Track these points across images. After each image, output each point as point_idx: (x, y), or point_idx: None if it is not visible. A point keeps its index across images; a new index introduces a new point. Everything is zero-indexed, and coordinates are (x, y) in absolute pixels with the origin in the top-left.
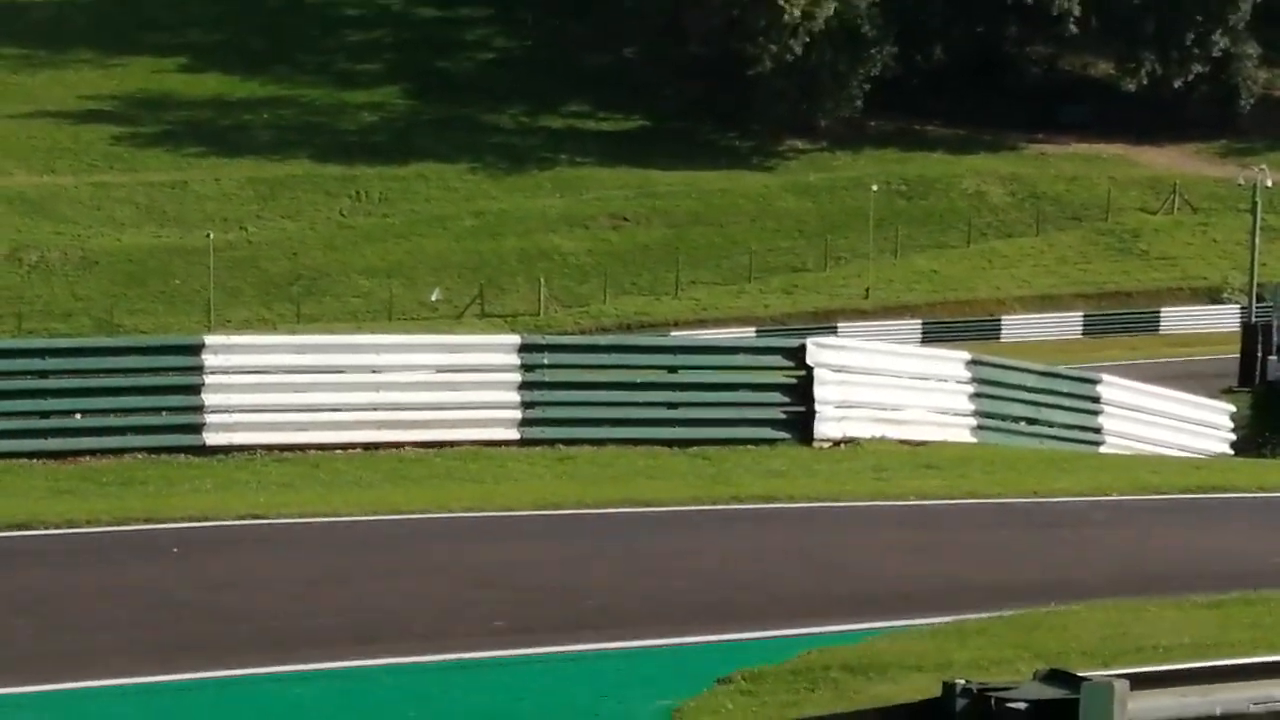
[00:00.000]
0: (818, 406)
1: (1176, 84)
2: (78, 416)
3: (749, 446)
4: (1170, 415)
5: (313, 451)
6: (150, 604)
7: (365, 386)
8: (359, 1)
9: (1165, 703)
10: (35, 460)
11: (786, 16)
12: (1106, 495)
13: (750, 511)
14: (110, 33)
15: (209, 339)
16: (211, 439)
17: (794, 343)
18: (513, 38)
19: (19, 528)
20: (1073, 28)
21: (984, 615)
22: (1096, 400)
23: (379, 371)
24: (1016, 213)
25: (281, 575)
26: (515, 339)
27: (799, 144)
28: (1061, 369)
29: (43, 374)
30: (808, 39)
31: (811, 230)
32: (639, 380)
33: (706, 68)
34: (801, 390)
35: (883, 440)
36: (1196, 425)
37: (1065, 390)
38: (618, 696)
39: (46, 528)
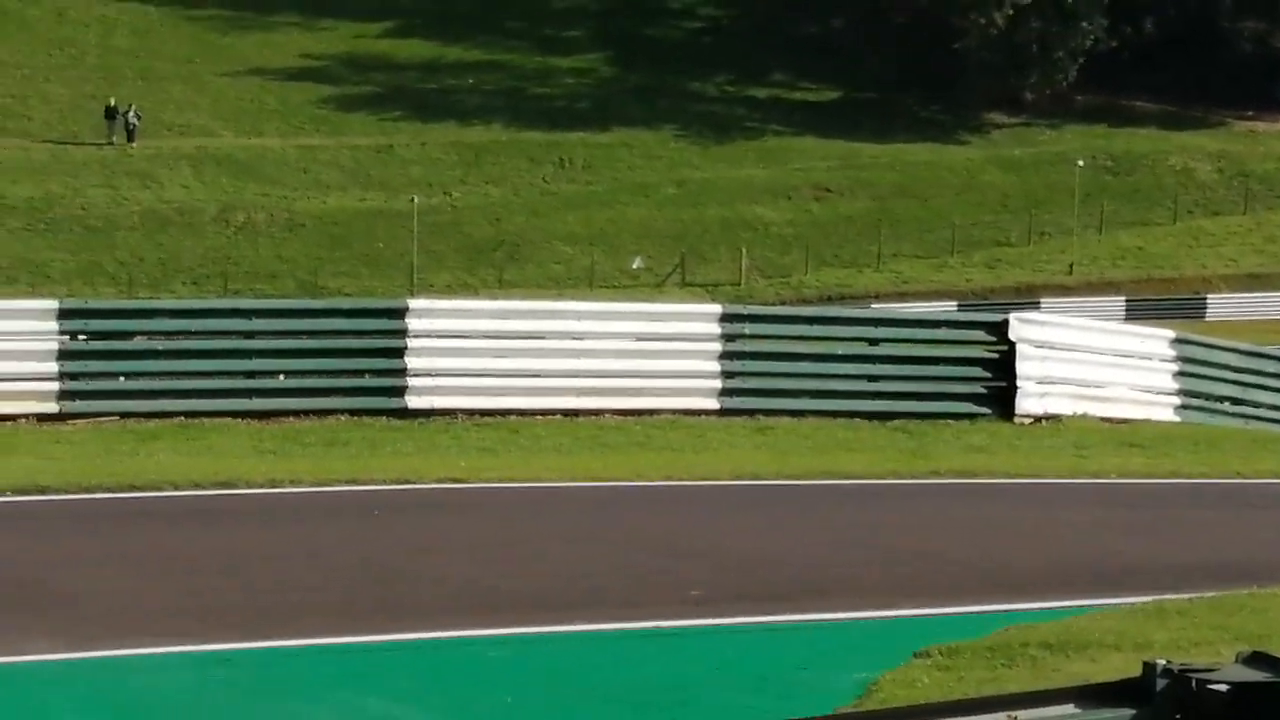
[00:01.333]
0: (1019, 382)
1: None
2: (282, 377)
3: (949, 421)
4: None
5: (513, 416)
6: (349, 565)
7: (566, 353)
8: None
9: None
10: (240, 420)
11: None
12: None
13: (950, 486)
14: None
15: (412, 303)
16: (413, 402)
17: (996, 317)
18: (719, 6)
19: (223, 486)
20: None
21: (1185, 596)
22: None
23: (580, 338)
24: (1224, 190)
25: (479, 540)
26: (716, 308)
27: (1003, 117)
28: (1268, 349)
29: (249, 334)
30: (1012, 11)
31: (1016, 204)
32: (840, 352)
33: (912, 40)
34: (1003, 365)
35: (1084, 417)
36: None
37: (1271, 370)
38: (813, 668)
39: (250, 487)
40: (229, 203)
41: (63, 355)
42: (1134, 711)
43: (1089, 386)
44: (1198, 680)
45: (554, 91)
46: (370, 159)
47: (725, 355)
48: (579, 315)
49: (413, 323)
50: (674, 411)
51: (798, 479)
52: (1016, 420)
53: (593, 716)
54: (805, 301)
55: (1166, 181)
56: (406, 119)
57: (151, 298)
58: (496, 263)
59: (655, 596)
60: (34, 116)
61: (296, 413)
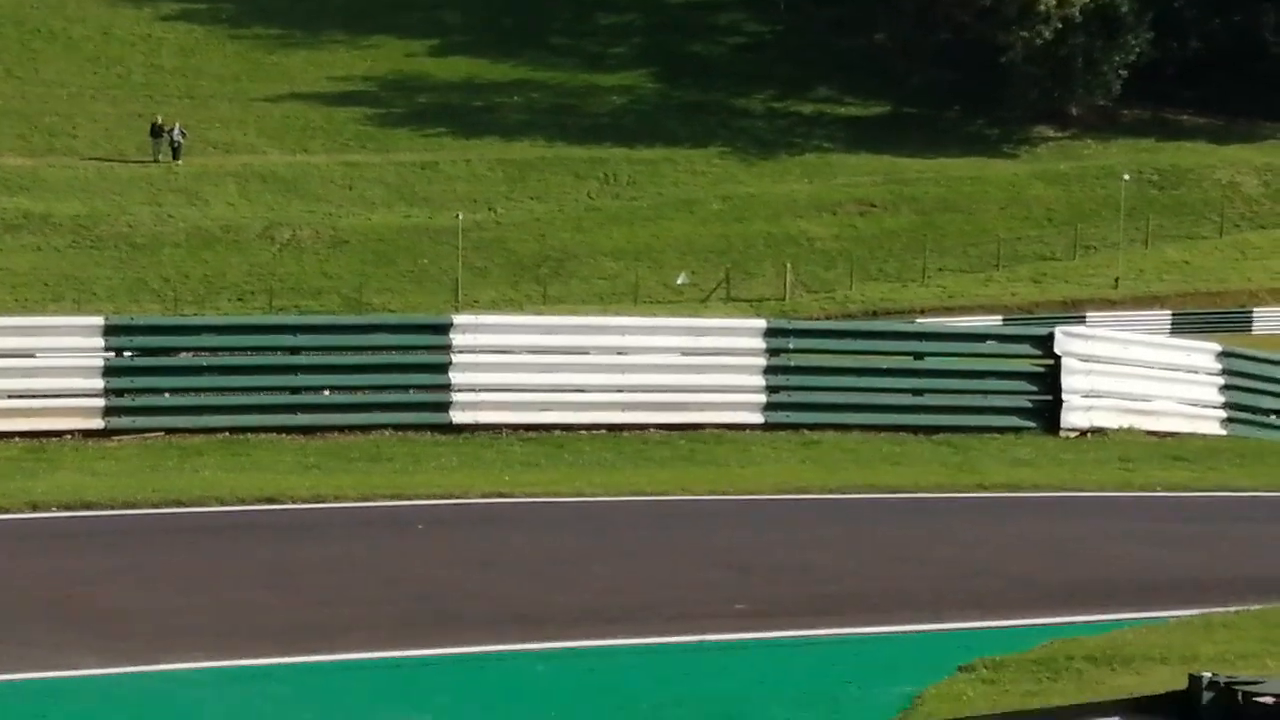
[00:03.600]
0: (1065, 396)
1: None
2: (327, 393)
3: (994, 435)
4: None
5: (557, 431)
6: (394, 580)
7: (611, 368)
8: None
9: None
10: (285, 435)
11: (1042, 5)
12: None
13: (995, 500)
14: (364, 14)
15: (457, 318)
16: (458, 417)
17: (1042, 331)
18: (764, 22)
19: (267, 501)
20: None
21: (1231, 609)
22: None
23: (624, 353)
24: (1271, 204)
25: (525, 554)
26: (761, 323)
27: (1049, 131)
28: None
29: (294, 350)
30: (1060, 25)
31: (1061, 219)
32: (885, 366)
33: (957, 54)
34: (1049, 379)
35: (1130, 431)
36: None
37: None
38: (859, 682)
39: (294, 502)
40: (274, 220)
41: (108, 371)
42: None
43: (1134, 400)
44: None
45: (598, 108)
46: (415, 175)
47: (770, 370)
48: (623, 330)
49: (457, 338)
50: (719, 426)
51: (843, 493)
52: (1062, 434)
53: None
54: (850, 316)
55: (1212, 195)
56: (451, 135)
57: (197, 314)
58: (541, 278)
59: (701, 610)
60: (80, 135)
61: (341, 428)
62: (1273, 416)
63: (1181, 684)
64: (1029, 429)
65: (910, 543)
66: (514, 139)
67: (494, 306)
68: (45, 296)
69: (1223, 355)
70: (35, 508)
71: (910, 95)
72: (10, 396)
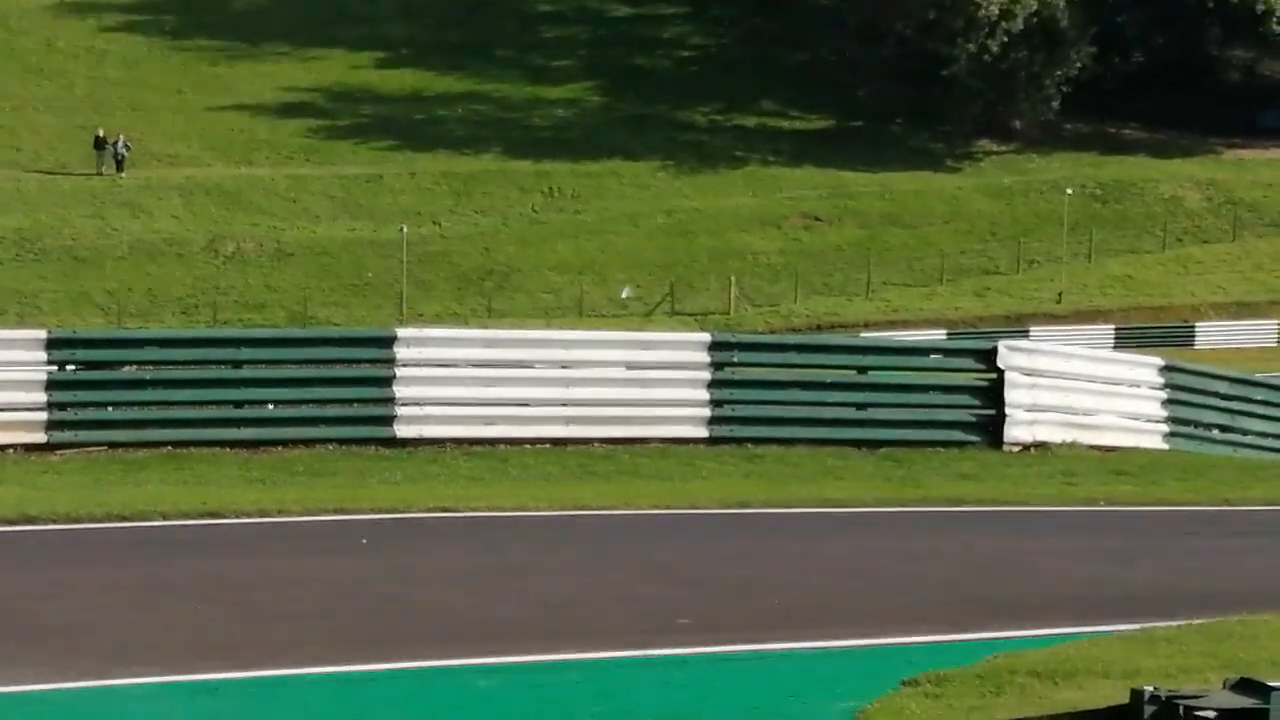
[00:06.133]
0: (1008, 410)
1: None
2: (271, 407)
3: (938, 449)
4: None
5: (502, 446)
6: (339, 594)
7: (555, 382)
8: None
9: None
10: (228, 449)
11: (983, 13)
12: None
13: (939, 514)
14: (307, 26)
15: (401, 332)
16: (402, 431)
17: (985, 345)
18: (708, 36)
19: (211, 516)
20: (1276, 28)
21: (1173, 623)
22: None
23: (569, 367)
24: (1213, 218)
25: (469, 568)
26: (705, 337)
27: (992, 145)
28: (1256, 376)
29: (237, 364)
30: (1005, 39)
31: (1004, 233)
32: (829, 380)
33: (901, 68)
34: (992, 393)
35: (1073, 445)
36: None
37: (1260, 398)
38: (802, 696)
39: (238, 516)
40: (218, 233)
41: (51, 385)
42: None
43: (1078, 414)
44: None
45: (543, 121)
46: (360, 188)
47: (714, 384)
48: (568, 344)
49: (401, 352)
50: (663, 440)
51: (787, 507)
52: (1005, 448)
53: None
54: (795, 330)
55: (1155, 210)
56: (396, 148)
57: (140, 328)
58: (486, 292)
59: (645, 625)
60: (23, 147)
61: (285, 442)
62: (1215, 431)
63: (1124, 698)
64: (972, 443)
65: (854, 557)
66: (459, 152)
67: (439, 320)
68: None
69: (1165, 370)
70: None
71: (855, 109)
72: None
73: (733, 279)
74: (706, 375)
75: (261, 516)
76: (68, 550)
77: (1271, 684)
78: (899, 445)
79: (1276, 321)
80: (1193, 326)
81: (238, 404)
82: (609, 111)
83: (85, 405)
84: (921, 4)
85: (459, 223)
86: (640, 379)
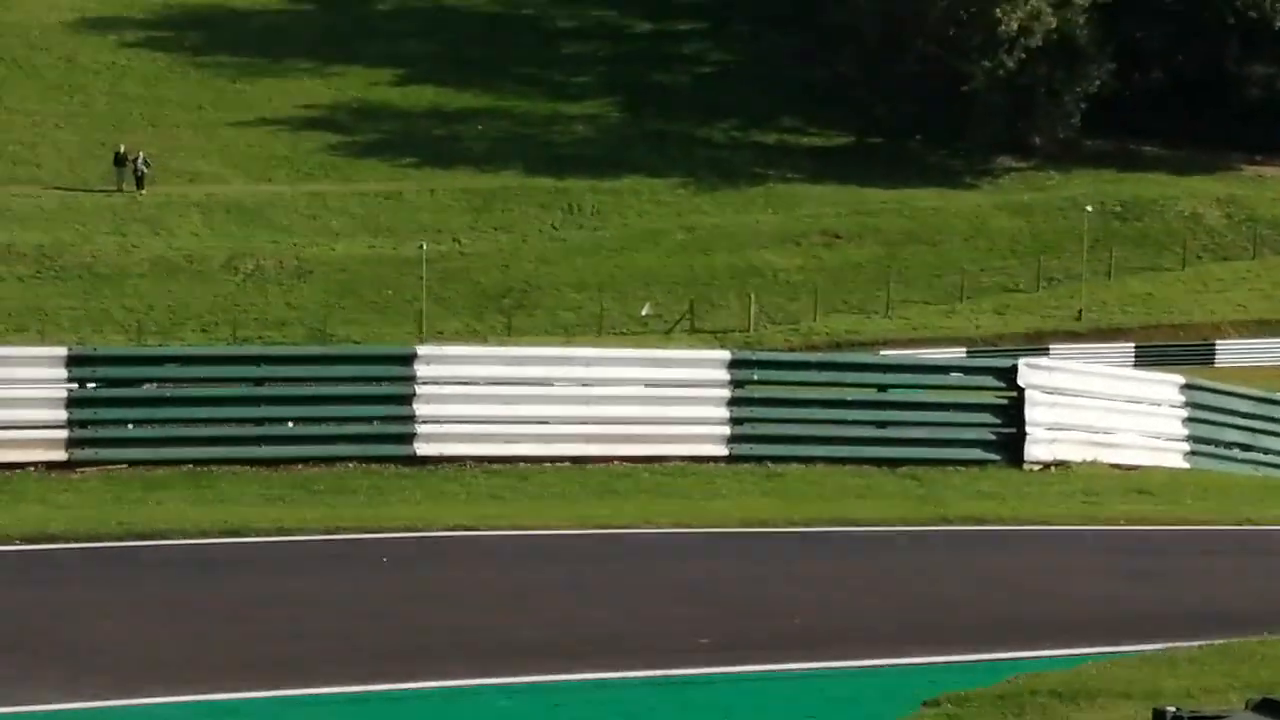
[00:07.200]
0: (1028, 428)
1: None
2: (291, 425)
3: (958, 467)
4: None
5: (522, 464)
6: (359, 613)
7: (575, 400)
8: (574, 14)
9: None
10: (249, 467)
11: (1002, 28)
12: None
13: (959, 533)
14: (328, 43)
15: (421, 349)
16: (422, 449)
17: (1006, 363)
18: (728, 52)
19: (232, 534)
20: None
21: (1195, 644)
22: None
23: (589, 385)
24: (1233, 235)
25: (489, 587)
26: (725, 355)
27: (1012, 162)
28: (1277, 395)
29: (258, 381)
30: (1024, 55)
31: (1024, 250)
32: (849, 398)
33: (921, 84)
34: (1012, 412)
35: (1094, 464)
36: None
37: None
38: (822, 717)
39: (258, 535)
40: (238, 250)
41: (72, 403)
42: None
43: (1098, 433)
44: None
45: (563, 138)
46: (379, 205)
47: (734, 402)
48: (588, 362)
49: (421, 370)
50: (683, 458)
51: (807, 526)
52: (1026, 466)
53: None
54: (814, 348)
55: (1175, 227)
56: (416, 165)
57: (161, 345)
58: (505, 309)
59: (665, 644)
60: (43, 164)
61: (305, 460)
62: (1236, 450)
63: (1146, 719)
64: (993, 462)
65: (874, 577)
66: (479, 169)
67: (458, 338)
68: (8, 327)
69: (1186, 388)
70: None
71: (874, 125)
72: None
73: (752, 296)
74: (726, 393)
75: (282, 535)
76: (88, 568)
77: None
78: (919, 463)
79: None
80: (1213, 344)
81: (258, 422)
82: (628, 128)
83: (106, 423)
84: (940, 20)
85: (479, 240)
86: (660, 397)
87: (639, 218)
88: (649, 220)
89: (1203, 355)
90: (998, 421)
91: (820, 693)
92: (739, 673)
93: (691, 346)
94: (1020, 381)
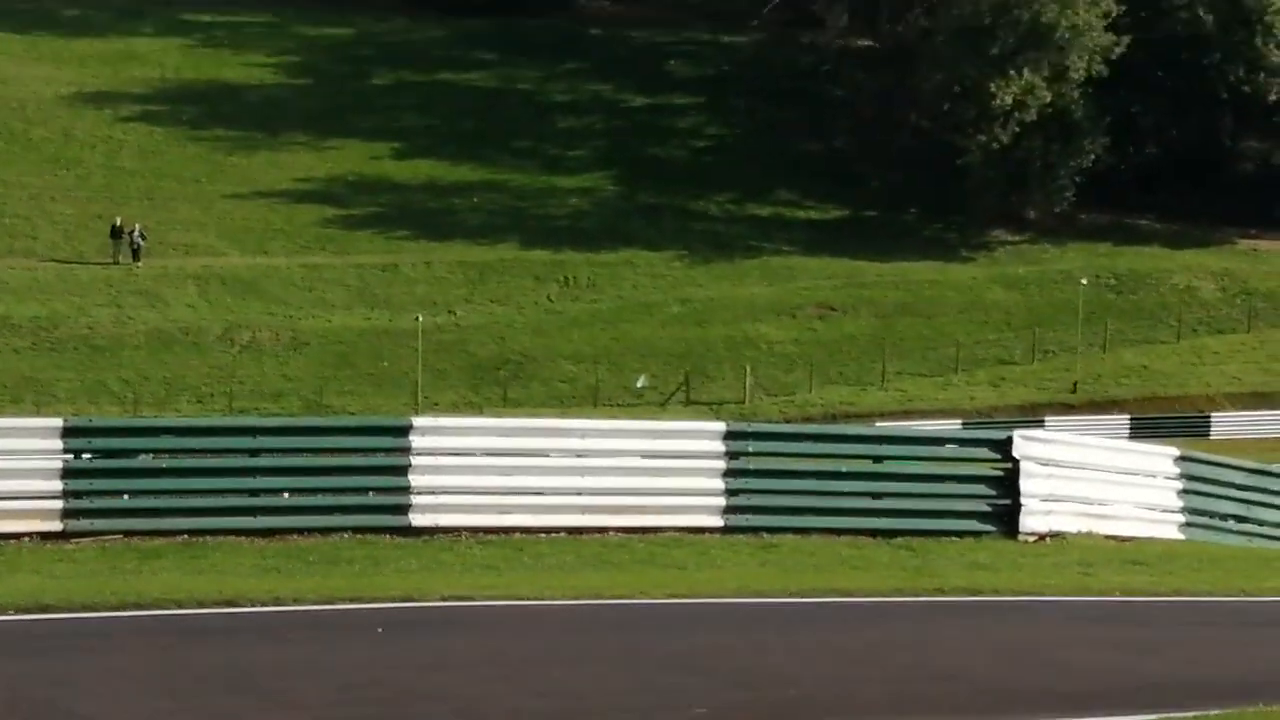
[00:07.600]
0: (1023, 499)
1: None
2: (286, 495)
3: (953, 538)
4: None
5: (517, 534)
6: (355, 683)
7: (570, 471)
8: (570, 89)
9: None
10: (243, 537)
11: (996, 103)
12: None
13: (954, 604)
14: (325, 116)
15: (416, 421)
16: (417, 520)
17: (1000, 435)
18: (723, 126)
19: (226, 604)
20: None
21: (1190, 714)
22: None
23: (584, 456)
24: (1228, 309)
25: (485, 658)
26: (721, 426)
27: (1006, 235)
28: (1273, 467)
29: (253, 452)
30: (1018, 129)
31: (1019, 322)
32: (844, 470)
33: (915, 158)
34: (1007, 483)
35: (1089, 535)
36: None
37: (1276, 489)
38: None
39: (253, 605)
40: (234, 322)
41: (67, 473)
42: None
43: (1093, 504)
44: None
45: (559, 211)
46: (375, 278)
47: (729, 473)
48: (583, 433)
49: (416, 440)
50: (678, 529)
51: (802, 597)
52: (1021, 538)
53: None
54: (809, 419)
55: (1170, 300)
56: (412, 238)
57: (156, 416)
58: (501, 381)
59: (661, 716)
60: (40, 236)
61: (300, 531)
62: (1230, 521)
63: None
64: (988, 533)
65: (870, 648)
66: (474, 241)
67: (454, 409)
68: (4, 398)
69: (1181, 460)
70: None
71: (869, 198)
72: None
73: (748, 368)
74: (722, 464)
75: (277, 605)
76: (83, 639)
77: None
78: (914, 534)
79: None
80: (1208, 416)
81: (253, 492)
82: (624, 201)
83: (101, 493)
84: (935, 95)
85: (474, 312)
86: (655, 468)
87: (634, 290)
88: (644, 292)
89: (1198, 427)
90: (993, 493)
91: None
92: None
93: (687, 418)
94: (1015, 453)
